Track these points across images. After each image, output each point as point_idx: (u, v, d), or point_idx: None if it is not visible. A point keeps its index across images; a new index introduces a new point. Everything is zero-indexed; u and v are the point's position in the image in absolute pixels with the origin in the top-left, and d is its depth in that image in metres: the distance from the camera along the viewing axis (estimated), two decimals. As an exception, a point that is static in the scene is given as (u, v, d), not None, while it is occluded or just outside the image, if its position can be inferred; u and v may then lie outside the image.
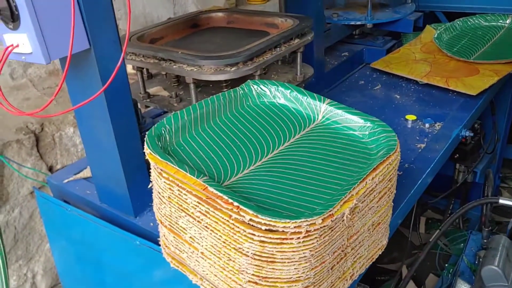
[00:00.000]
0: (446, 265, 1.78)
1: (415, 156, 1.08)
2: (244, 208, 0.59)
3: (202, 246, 0.67)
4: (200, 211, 0.65)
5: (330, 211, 0.59)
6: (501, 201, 1.28)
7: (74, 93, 0.87)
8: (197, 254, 0.69)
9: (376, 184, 0.67)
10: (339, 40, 1.58)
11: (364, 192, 0.64)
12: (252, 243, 0.60)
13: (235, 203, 0.59)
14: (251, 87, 0.87)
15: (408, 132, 1.18)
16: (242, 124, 0.81)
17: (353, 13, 1.57)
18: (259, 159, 0.74)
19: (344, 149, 0.76)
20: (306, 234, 0.58)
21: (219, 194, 0.61)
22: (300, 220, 0.57)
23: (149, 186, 0.74)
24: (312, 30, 1.12)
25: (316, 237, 0.59)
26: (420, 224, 2.13)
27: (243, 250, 0.61)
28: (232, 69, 0.93)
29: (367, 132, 0.77)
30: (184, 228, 0.69)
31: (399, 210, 0.91)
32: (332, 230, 0.61)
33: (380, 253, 0.78)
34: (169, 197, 0.70)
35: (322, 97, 0.83)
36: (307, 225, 0.57)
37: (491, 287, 1.14)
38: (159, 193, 0.71)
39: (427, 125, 1.20)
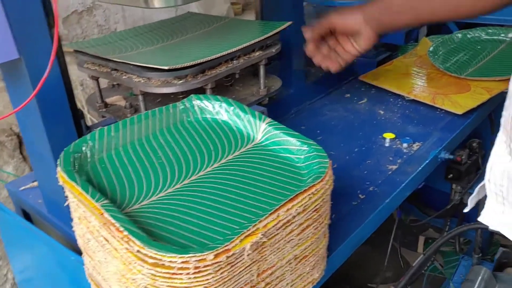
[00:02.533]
0: (439, 289, 1.69)
1: (383, 178, 1.01)
2: (133, 238, 0.54)
3: (107, 272, 0.63)
4: (102, 236, 0.61)
5: (226, 246, 0.54)
6: (492, 227, 1.20)
7: (14, 100, 0.85)
8: (105, 279, 0.65)
9: (294, 216, 0.61)
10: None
11: (276, 225, 0.59)
12: (143, 275, 0.55)
13: (125, 232, 0.55)
14: (193, 102, 0.83)
15: (383, 152, 1.12)
16: (176, 142, 0.77)
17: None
18: (181, 180, 0.69)
19: (277, 173, 0.71)
20: (196, 270, 0.53)
21: (112, 220, 0.57)
22: (188, 255, 0.52)
23: (65, 204, 0.71)
24: (279, 42, 1.07)
25: (210, 273, 0.54)
26: (419, 244, 2.04)
27: (136, 281, 0.57)
28: (180, 82, 0.89)
29: (302, 156, 0.72)
30: (93, 251, 0.66)
31: (349, 239, 0.85)
32: (232, 266, 0.56)
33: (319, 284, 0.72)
34: (79, 218, 0.66)
35: (263, 116, 0.78)
36: (195, 260, 0.53)
37: (466, 322, 1.06)
38: (72, 212, 0.68)
39: (404, 144, 1.13)
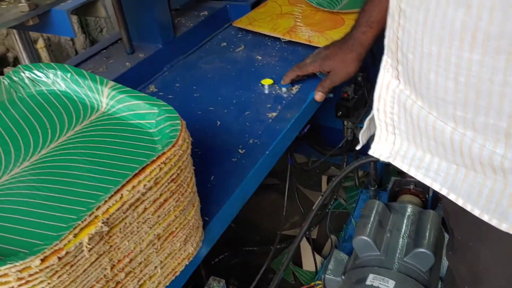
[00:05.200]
0: (344, 225, 1.72)
1: (263, 128, 0.95)
2: None
3: None
4: None
5: (55, 246, 0.45)
6: (383, 158, 1.20)
7: None
8: None
9: (144, 193, 0.53)
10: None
11: (121, 207, 0.50)
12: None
13: None
14: (22, 73, 0.70)
15: (262, 100, 1.05)
16: (4, 125, 0.64)
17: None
18: (8, 171, 0.58)
19: (128, 144, 0.61)
20: (22, 281, 0.44)
21: None
22: (5, 267, 0.42)
23: None
24: None
25: (43, 281, 0.45)
26: (323, 183, 2.06)
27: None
28: None
29: (153, 121, 0.62)
30: None
31: (230, 200, 0.78)
32: (72, 266, 0.47)
33: (189, 259, 0.65)
34: None
35: (105, 80, 0.67)
36: (17, 271, 0.43)
37: (364, 257, 1.06)
38: None
39: (283, 89, 1.07)
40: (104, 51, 1.22)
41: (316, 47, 1.18)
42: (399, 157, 0.65)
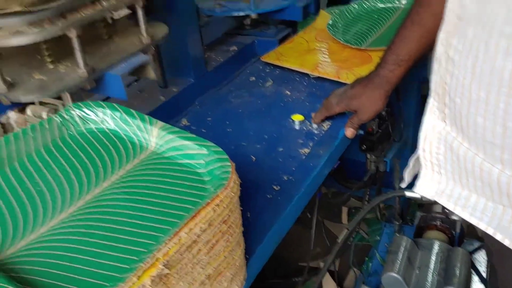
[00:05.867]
0: (366, 258, 1.71)
1: (297, 165, 0.97)
2: (3, 299, 0.45)
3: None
4: (-30, 295, 0.50)
5: (120, 288, 0.46)
6: (408, 194, 1.20)
7: None
8: None
9: (199, 235, 0.54)
10: (226, 33, 1.44)
11: (178, 250, 0.51)
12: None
13: (-8, 292, 0.45)
14: (72, 112, 0.72)
15: (293, 136, 1.07)
16: (57, 163, 0.66)
17: (239, 2, 1.43)
18: (65, 209, 0.59)
19: (178, 184, 0.63)
20: (89, 323, 0.45)
21: (-25, 279, 0.46)
22: (74, 309, 0.44)
23: None
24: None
25: (107, 322, 0.46)
26: (343, 215, 2.06)
27: None
28: (35, 30, 0.73)
29: (203, 161, 0.64)
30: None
31: (267, 237, 0.79)
32: (132, 307, 0.48)
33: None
34: None
35: (153, 119, 0.69)
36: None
37: (394, 294, 1.06)
38: None
39: (314, 125, 1.09)
40: (136, 83, 1.25)
41: (345, 83, 1.21)
42: (445, 196, 0.66)
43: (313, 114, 1.10)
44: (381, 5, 1.48)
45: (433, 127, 0.64)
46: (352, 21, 1.45)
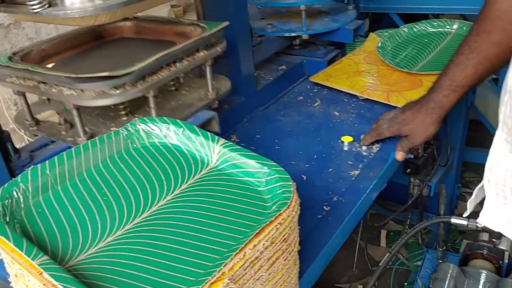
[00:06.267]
0: (405, 283, 1.68)
1: (347, 186, 0.97)
2: (79, 303, 0.47)
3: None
4: (44, 297, 0.53)
5: (189, 301, 0.47)
6: (453, 220, 1.19)
7: None
8: None
9: (261, 252, 0.55)
10: (276, 52, 1.46)
11: (243, 265, 0.53)
12: None
13: (69, 295, 0.47)
14: (138, 126, 0.75)
15: (343, 157, 1.07)
16: (122, 173, 0.69)
17: (290, 22, 1.46)
18: (131, 220, 0.62)
19: (238, 200, 0.64)
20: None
21: (53, 282, 0.49)
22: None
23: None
24: (223, 39, 1.00)
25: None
26: (381, 237, 2.04)
27: None
28: (118, 92, 0.79)
29: (263, 179, 0.66)
30: (36, 312, 0.57)
31: (319, 257, 0.80)
32: (198, 319, 0.50)
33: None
34: (15, 275, 0.57)
35: (216, 137, 0.71)
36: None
37: (440, 322, 1.04)
38: (7, 268, 0.59)
39: (364, 147, 1.09)
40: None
41: (395, 107, 1.21)
42: (511, 227, 0.65)
43: (362, 136, 1.11)
44: (432, 30, 1.48)
45: (500, 159, 0.64)
46: (402, 45, 1.45)
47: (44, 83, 0.83)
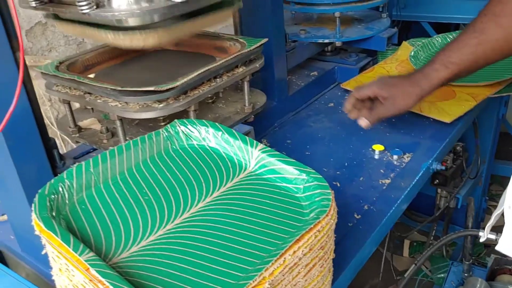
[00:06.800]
0: (428, 296, 1.67)
1: (378, 195, 0.97)
2: (125, 299, 0.48)
3: (95, 329, 0.57)
4: (88, 292, 0.54)
5: (231, 303, 0.49)
6: (481, 234, 1.18)
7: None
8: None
9: (300, 258, 0.56)
10: (308, 58, 1.47)
11: (282, 270, 0.54)
12: (138, 338, 0.49)
13: (116, 292, 0.49)
14: (178, 128, 0.77)
15: (374, 165, 1.07)
16: (162, 174, 0.71)
17: (324, 29, 1.46)
18: (172, 220, 0.63)
19: (276, 206, 0.65)
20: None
21: (100, 278, 0.50)
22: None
23: (42, 253, 0.63)
24: (262, 55, 1.01)
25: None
26: (404, 247, 2.03)
27: None
28: (161, 105, 0.82)
29: (301, 186, 0.66)
30: (78, 306, 0.59)
31: (349, 266, 0.80)
32: (238, 322, 0.51)
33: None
34: (60, 269, 0.59)
35: (254, 141, 0.72)
36: (199, 322, 0.47)
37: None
38: (51, 262, 0.61)
39: (395, 156, 1.09)
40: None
41: (427, 117, 1.20)
42: None
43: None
44: (466, 40, 1.46)
45: None
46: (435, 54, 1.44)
47: (89, 93, 0.86)
